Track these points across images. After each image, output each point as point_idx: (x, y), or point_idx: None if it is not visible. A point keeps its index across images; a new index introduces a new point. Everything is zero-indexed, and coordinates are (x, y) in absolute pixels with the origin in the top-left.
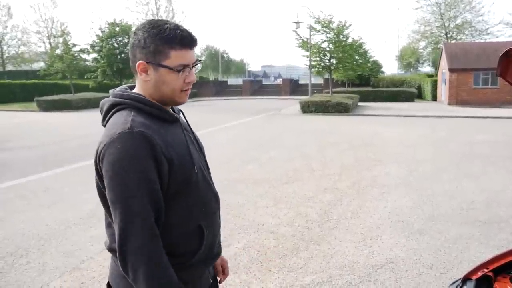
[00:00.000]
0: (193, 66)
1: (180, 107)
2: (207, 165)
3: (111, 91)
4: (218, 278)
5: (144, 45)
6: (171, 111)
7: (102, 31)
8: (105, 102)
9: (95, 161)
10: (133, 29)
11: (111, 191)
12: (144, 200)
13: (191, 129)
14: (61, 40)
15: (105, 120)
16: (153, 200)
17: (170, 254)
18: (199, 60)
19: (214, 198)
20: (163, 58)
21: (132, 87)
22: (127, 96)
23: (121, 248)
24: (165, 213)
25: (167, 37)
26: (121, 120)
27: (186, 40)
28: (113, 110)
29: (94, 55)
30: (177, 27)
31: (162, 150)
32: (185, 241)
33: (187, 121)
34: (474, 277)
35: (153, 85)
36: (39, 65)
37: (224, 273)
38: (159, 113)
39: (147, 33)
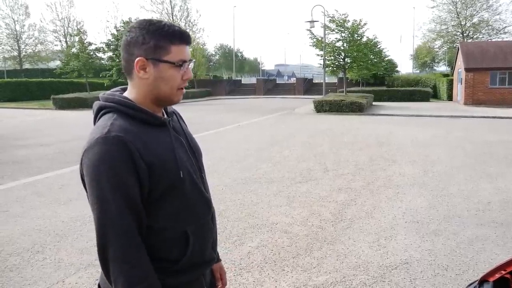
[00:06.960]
0: (189, 63)
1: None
2: (201, 169)
3: (100, 94)
4: (218, 285)
5: (143, 41)
6: (161, 114)
7: (117, 30)
8: (95, 105)
9: (79, 167)
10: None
11: (90, 196)
12: (120, 205)
13: (184, 132)
14: (77, 39)
15: (95, 123)
16: (130, 204)
17: (154, 258)
18: (192, 59)
19: (205, 203)
20: (164, 54)
21: (125, 90)
22: (112, 99)
23: (101, 255)
24: (150, 217)
25: (167, 32)
26: (102, 124)
27: (185, 36)
28: (100, 113)
29: (110, 53)
30: (173, 24)
31: (140, 154)
32: (169, 247)
33: (180, 123)
34: (492, 279)
35: (151, 83)
36: (55, 63)
37: (222, 283)
38: (144, 116)
39: (145, 29)
